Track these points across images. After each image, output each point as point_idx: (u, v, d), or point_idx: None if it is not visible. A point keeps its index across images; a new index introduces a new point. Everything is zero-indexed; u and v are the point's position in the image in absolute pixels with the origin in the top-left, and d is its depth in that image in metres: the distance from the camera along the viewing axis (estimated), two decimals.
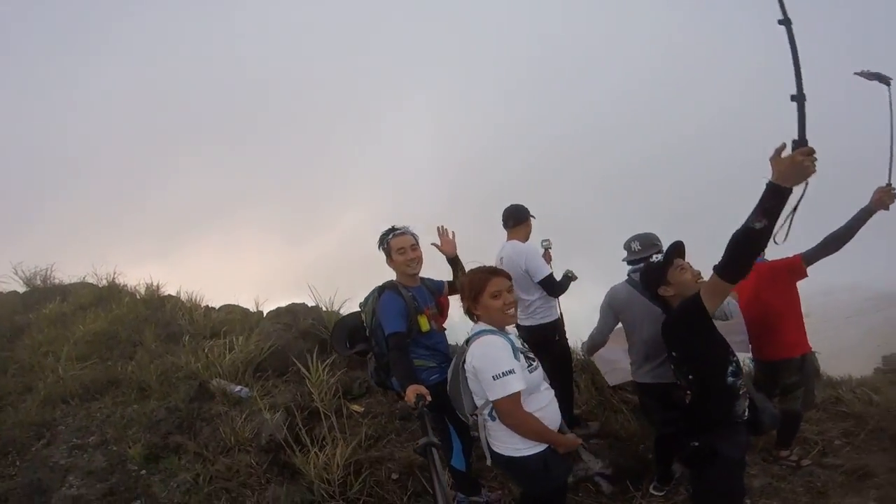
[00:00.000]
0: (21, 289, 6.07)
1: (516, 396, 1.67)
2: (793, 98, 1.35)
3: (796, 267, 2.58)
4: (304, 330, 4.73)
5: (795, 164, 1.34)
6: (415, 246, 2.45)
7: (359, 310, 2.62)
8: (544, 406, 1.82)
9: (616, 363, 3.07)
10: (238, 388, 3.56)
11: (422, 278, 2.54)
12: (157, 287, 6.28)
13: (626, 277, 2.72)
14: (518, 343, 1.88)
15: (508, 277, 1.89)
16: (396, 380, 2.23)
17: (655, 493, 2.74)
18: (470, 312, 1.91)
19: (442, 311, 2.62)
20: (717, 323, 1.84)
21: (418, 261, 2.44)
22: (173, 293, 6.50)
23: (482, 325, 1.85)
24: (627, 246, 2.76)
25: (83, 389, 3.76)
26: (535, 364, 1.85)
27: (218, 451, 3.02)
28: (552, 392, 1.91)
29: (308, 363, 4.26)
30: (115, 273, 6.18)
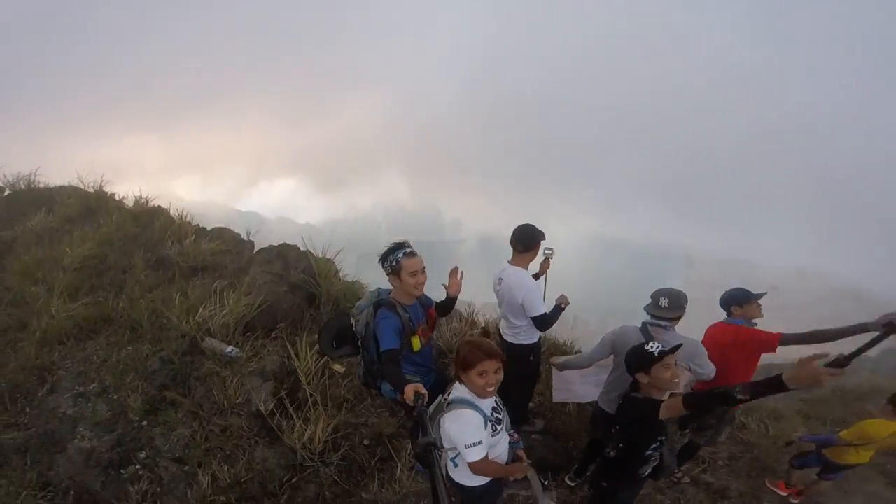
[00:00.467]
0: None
1: (484, 458, 1.97)
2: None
3: (771, 347, 2.78)
4: (294, 283, 4.80)
5: (815, 379, 1.35)
6: (424, 268, 2.50)
7: (346, 312, 2.80)
8: (500, 453, 2.16)
9: (570, 385, 3.34)
10: (229, 349, 3.75)
11: None
12: (146, 200, 6.12)
13: (640, 324, 2.78)
14: (489, 410, 2.07)
15: (500, 359, 1.99)
16: (392, 388, 2.36)
17: (569, 483, 3.31)
18: (457, 376, 2.05)
19: (431, 325, 2.75)
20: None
21: (424, 283, 2.51)
22: (163, 205, 6.41)
23: (462, 394, 2.02)
24: (655, 298, 2.71)
25: (77, 329, 3.94)
26: (499, 428, 2.12)
27: (212, 412, 3.33)
28: (507, 436, 2.22)
29: (298, 320, 4.47)
30: (102, 181, 5.94)
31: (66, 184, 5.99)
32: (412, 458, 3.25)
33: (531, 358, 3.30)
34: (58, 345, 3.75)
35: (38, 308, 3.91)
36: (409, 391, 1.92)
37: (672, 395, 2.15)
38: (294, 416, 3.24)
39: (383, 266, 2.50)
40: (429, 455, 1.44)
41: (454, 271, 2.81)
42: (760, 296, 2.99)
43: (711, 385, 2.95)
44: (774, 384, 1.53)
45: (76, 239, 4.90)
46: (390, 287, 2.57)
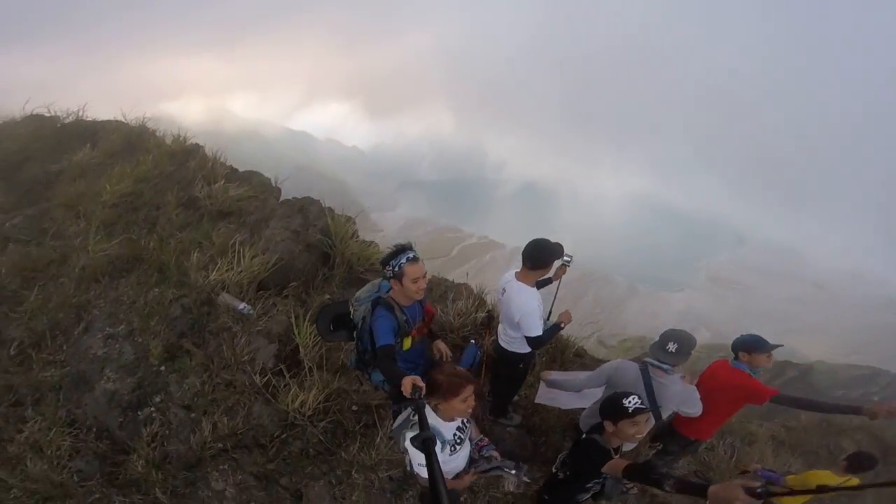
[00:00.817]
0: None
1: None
2: None
3: (760, 400, 2.80)
4: (310, 242, 4.93)
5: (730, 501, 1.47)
6: (426, 274, 2.53)
7: (345, 300, 2.84)
8: (456, 466, 2.31)
9: (556, 397, 3.35)
10: (241, 305, 4.01)
11: None
12: (184, 140, 6.30)
13: (641, 362, 2.78)
14: (452, 433, 2.19)
15: (477, 384, 2.14)
16: (388, 382, 2.55)
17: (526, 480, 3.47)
18: (436, 407, 2.11)
19: (427, 322, 2.84)
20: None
21: (425, 287, 2.54)
22: (200, 143, 6.59)
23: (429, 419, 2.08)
24: (664, 341, 2.70)
25: (111, 267, 4.32)
26: (458, 448, 2.23)
27: (220, 366, 3.67)
28: (465, 451, 2.36)
29: (311, 279, 4.66)
30: (144, 118, 6.16)
31: (112, 118, 6.23)
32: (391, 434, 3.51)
33: (520, 366, 3.34)
34: (94, 282, 4.16)
35: (78, 244, 4.30)
36: (407, 384, 1.98)
37: (624, 454, 2.24)
38: (290, 382, 3.53)
39: (385, 268, 2.50)
40: (427, 449, 1.49)
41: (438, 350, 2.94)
42: (774, 347, 2.87)
43: (679, 422, 3.10)
44: (699, 491, 1.60)
45: (115, 175, 5.20)
46: (382, 263, 2.56)
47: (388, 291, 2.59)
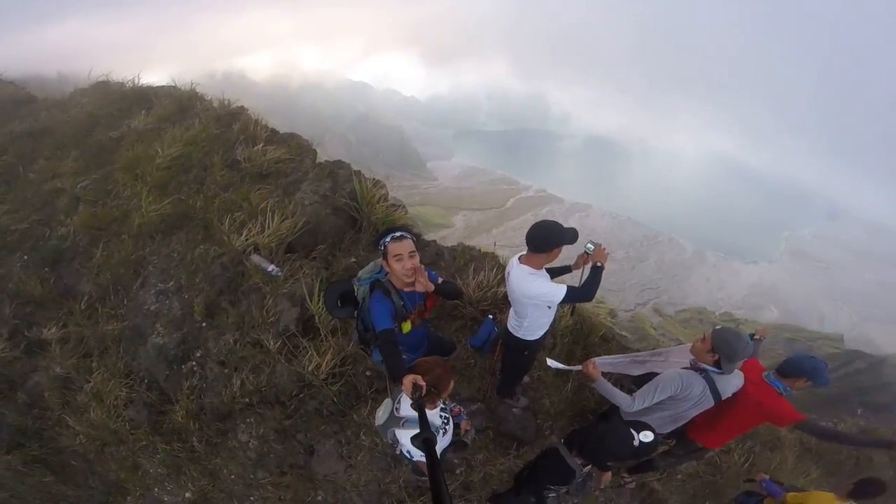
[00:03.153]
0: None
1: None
2: None
3: (781, 422, 2.62)
4: (337, 206, 5.03)
5: None
6: (413, 253, 2.42)
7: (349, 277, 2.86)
8: (440, 447, 2.34)
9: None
10: (271, 267, 4.26)
11: None
12: (230, 103, 6.54)
13: (700, 370, 2.62)
14: (438, 420, 2.32)
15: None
16: (389, 371, 2.48)
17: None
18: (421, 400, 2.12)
19: (429, 308, 2.78)
20: None
21: (415, 271, 2.42)
22: (245, 105, 6.83)
23: (409, 412, 2.18)
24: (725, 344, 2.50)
25: (164, 224, 4.74)
26: (447, 429, 2.37)
27: (250, 325, 3.99)
28: (451, 429, 2.45)
29: (338, 242, 4.82)
30: (192, 84, 6.47)
31: (166, 83, 6.60)
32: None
33: (526, 352, 3.25)
34: (149, 239, 4.62)
35: (134, 205, 4.75)
36: (408, 383, 1.97)
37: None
38: (307, 345, 3.77)
39: (378, 249, 2.48)
40: (429, 450, 1.49)
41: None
42: (825, 384, 2.56)
43: (697, 427, 2.92)
44: None
45: (168, 139, 5.57)
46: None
47: (386, 274, 2.54)
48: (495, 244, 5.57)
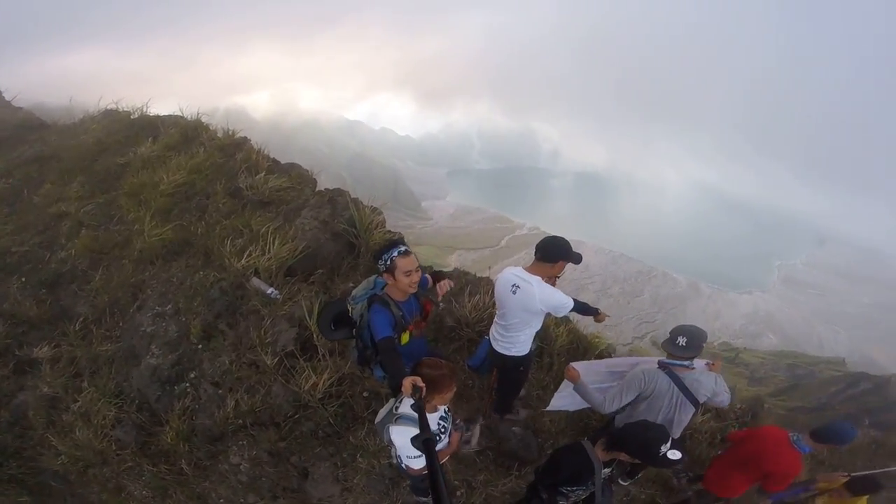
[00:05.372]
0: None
1: (421, 468, 2.22)
2: None
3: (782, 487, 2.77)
4: (336, 232, 5.15)
5: None
6: (419, 267, 2.56)
7: (342, 298, 2.91)
8: (440, 448, 2.40)
9: (566, 401, 3.26)
10: (270, 290, 4.30)
11: None
12: (233, 133, 6.80)
13: (661, 364, 2.87)
14: (436, 423, 2.33)
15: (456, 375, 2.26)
16: (390, 378, 2.50)
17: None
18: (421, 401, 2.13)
19: (426, 316, 2.85)
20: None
21: (418, 281, 2.57)
22: (248, 136, 7.09)
23: (408, 409, 2.18)
24: (673, 336, 2.82)
25: (165, 250, 4.80)
26: (443, 437, 2.37)
27: (247, 346, 3.98)
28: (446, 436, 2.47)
29: (336, 267, 4.90)
30: (199, 113, 6.77)
31: (172, 113, 6.88)
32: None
33: (521, 368, 3.28)
34: (149, 264, 4.67)
35: (137, 230, 4.83)
36: (408, 384, 2.00)
37: None
38: (304, 365, 3.75)
39: (377, 263, 2.53)
40: (428, 450, 1.52)
41: (442, 286, 2.85)
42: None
43: (714, 478, 3.14)
44: None
45: (172, 166, 5.74)
46: (374, 259, 2.61)
47: (382, 288, 2.61)
48: (490, 268, 5.70)
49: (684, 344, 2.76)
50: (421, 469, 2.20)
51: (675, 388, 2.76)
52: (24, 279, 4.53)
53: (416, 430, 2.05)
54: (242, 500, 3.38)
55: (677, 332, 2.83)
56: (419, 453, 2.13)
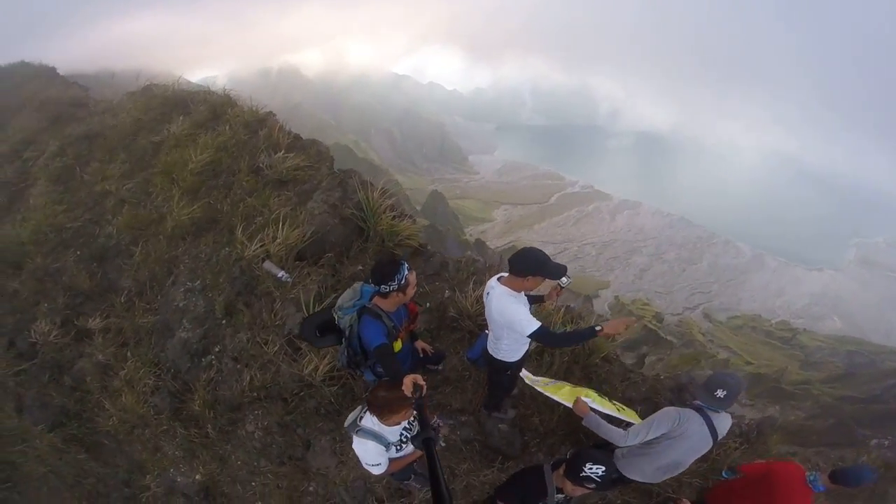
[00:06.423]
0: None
1: (384, 471, 2.39)
2: None
3: None
4: (345, 216, 5.25)
5: None
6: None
7: (327, 308, 2.95)
8: (410, 451, 2.50)
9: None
10: (280, 273, 4.54)
11: None
12: (258, 110, 6.98)
13: (695, 406, 2.76)
14: (398, 435, 2.38)
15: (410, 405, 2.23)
16: (391, 378, 2.43)
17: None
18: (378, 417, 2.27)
19: (413, 319, 2.94)
20: None
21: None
22: (272, 110, 7.23)
23: (371, 425, 2.32)
24: (711, 387, 2.70)
25: (194, 227, 5.18)
26: (404, 446, 2.42)
27: (261, 326, 4.31)
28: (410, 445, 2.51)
29: (345, 251, 5.05)
30: (225, 89, 6.96)
31: (200, 88, 7.15)
32: None
33: (508, 373, 3.30)
34: (181, 240, 5.08)
35: (170, 208, 5.24)
36: (408, 382, 2.03)
37: None
38: (307, 349, 4.02)
39: (389, 285, 2.47)
40: (428, 449, 1.57)
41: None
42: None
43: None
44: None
45: (200, 145, 6.04)
46: (377, 281, 2.52)
47: (370, 299, 2.63)
48: (501, 257, 5.59)
49: (723, 396, 2.63)
50: (381, 475, 2.36)
51: (707, 430, 2.68)
52: (78, 253, 5.13)
53: (374, 444, 2.26)
54: (255, 464, 3.83)
55: (716, 383, 2.67)
56: (378, 462, 2.30)
